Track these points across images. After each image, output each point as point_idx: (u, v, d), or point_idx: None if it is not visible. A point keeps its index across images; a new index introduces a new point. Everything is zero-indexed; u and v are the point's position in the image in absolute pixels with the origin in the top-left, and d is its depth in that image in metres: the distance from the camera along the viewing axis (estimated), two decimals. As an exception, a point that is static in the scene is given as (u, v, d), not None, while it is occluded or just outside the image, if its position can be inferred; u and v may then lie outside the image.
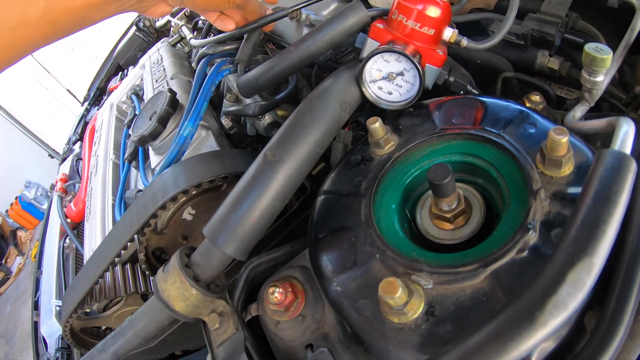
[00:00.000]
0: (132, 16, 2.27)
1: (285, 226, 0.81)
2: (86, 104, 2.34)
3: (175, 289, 0.55)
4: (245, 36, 0.89)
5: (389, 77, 0.65)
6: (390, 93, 0.67)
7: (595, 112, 0.69)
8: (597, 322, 0.37)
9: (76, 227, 1.51)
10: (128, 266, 0.96)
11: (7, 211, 5.24)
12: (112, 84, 2.11)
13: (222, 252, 0.54)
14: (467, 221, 0.54)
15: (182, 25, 1.66)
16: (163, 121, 1.05)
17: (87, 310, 0.96)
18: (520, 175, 0.50)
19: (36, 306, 1.52)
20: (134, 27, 2.18)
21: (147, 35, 2.15)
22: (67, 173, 1.83)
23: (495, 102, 0.60)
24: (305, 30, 1.02)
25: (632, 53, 0.70)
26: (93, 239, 1.15)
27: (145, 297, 1.00)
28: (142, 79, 1.57)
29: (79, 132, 2.14)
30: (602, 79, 0.60)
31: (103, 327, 1.08)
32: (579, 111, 0.64)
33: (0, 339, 4.11)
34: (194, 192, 0.79)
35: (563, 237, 0.36)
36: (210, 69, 1.04)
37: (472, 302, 0.43)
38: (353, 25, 0.68)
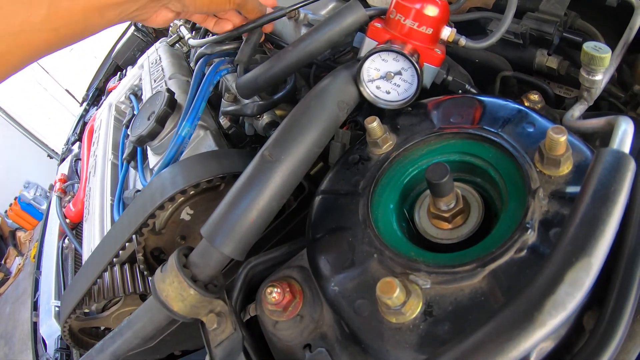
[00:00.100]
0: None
1: (284, 226, 0.81)
2: (85, 104, 2.34)
3: (173, 289, 0.55)
4: (244, 37, 0.89)
5: (387, 77, 0.65)
6: (388, 92, 0.67)
7: (594, 111, 0.69)
8: (596, 322, 0.37)
9: (75, 228, 1.51)
10: (126, 266, 0.96)
11: (6, 212, 5.23)
12: (110, 84, 2.11)
13: (220, 252, 0.54)
14: (466, 221, 0.53)
15: (180, 25, 1.66)
16: (161, 121, 1.05)
17: (86, 310, 0.96)
18: (519, 175, 0.49)
19: (35, 307, 1.52)
20: (133, 27, 2.18)
21: (145, 35, 2.14)
22: (66, 173, 1.83)
23: (494, 101, 0.60)
24: (304, 30, 1.02)
25: (630, 52, 0.70)
26: (92, 239, 1.15)
27: (143, 298, 0.99)
28: (140, 79, 1.57)
29: (78, 132, 2.14)
30: (600, 78, 0.60)
31: (102, 328, 1.08)
32: (577, 110, 0.64)
33: (0, 339, 4.11)
34: (192, 192, 0.79)
35: (561, 236, 0.36)
36: (209, 69, 1.03)
37: (470, 302, 0.43)
38: (351, 24, 0.68)
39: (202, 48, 1.09)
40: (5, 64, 0.55)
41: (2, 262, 5.00)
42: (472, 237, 0.52)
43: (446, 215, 0.52)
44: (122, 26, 2.37)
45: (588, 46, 0.56)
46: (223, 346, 0.59)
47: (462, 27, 0.75)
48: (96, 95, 2.32)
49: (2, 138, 5.19)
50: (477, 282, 0.43)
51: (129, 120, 1.41)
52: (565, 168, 0.47)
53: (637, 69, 0.78)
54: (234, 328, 0.58)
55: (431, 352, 0.41)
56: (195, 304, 0.55)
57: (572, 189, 0.46)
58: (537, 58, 0.83)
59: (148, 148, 1.14)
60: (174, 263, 0.55)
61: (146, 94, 1.39)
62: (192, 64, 1.36)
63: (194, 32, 1.55)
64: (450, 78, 0.76)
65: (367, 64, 0.65)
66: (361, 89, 0.66)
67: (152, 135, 1.05)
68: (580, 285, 0.32)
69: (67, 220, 1.51)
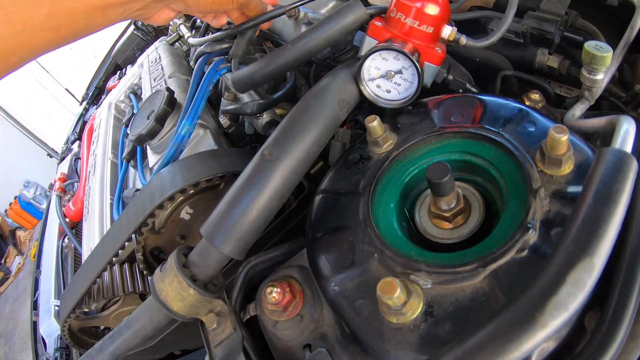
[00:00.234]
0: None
1: (284, 225, 0.81)
2: (85, 103, 2.34)
3: (173, 289, 0.54)
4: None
5: (387, 75, 0.65)
6: (388, 91, 0.66)
7: (595, 110, 0.68)
8: (597, 323, 0.37)
9: (75, 227, 1.51)
10: (126, 266, 0.95)
11: (6, 211, 5.23)
12: (110, 83, 2.11)
13: (219, 252, 0.54)
14: (466, 220, 0.53)
15: (180, 24, 1.65)
16: (161, 120, 1.04)
17: (86, 310, 0.95)
18: (520, 174, 0.49)
19: (35, 306, 1.52)
20: (132, 26, 2.18)
21: (145, 34, 2.14)
22: (66, 172, 1.83)
23: (495, 100, 0.60)
24: (304, 29, 1.02)
25: (631, 51, 0.70)
26: (91, 239, 1.15)
27: (143, 297, 0.99)
28: (140, 78, 1.57)
29: (78, 131, 2.14)
30: (601, 77, 0.60)
31: (101, 327, 1.07)
32: (578, 109, 0.64)
33: (0, 339, 4.11)
34: (192, 191, 0.79)
35: (563, 236, 0.36)
36: (208, 68, 1.03)
37: (471, 302, 0.42)
38: (351, 23, 0.68)
39: (202, 47, 1.09)
40: (5, 63, 0.56)
41: (2, 261, 5.00)
42: (473, 237, 0.52)
43: (447, 214, 0.52)
44: (122, 25, 2.37)
45: (589, 45, 0.56)
46: (223, 346, 0.59)
47: (463, 26, 0.75)
48: (96, 94, 2.32)
49: (2, 137, 5.18)
50: (478, 282, 0.43)
51: (129, 119, 1.41)
52: (567, 168, 0.47)
53: (638, 68, 0.78)
54: (234, 328, 0.58)
55: (432, 352, 0.41)
56: (194, 303, 0.55)
57: (574, 189, 0.45)
58: (538, 57, 0.83)
59: (148, 147, 1.14)
60: (174, 262, 0.55)
61: (146, 93, 1.39)
62: (191, 63, 1.35)
63: (193, 30, 1.55)
64: (450, 77, 0.75)
65: (368, 63, 0.65)
66: (361, 87, 0.66)
67: (152, 134, 1.05)
68: (582, 286, 0.32)
69: (67, 220, 1.50)
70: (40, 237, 1.78)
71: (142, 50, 1.99)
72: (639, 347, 0.38)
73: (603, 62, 0.57)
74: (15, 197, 5.21)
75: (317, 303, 0.57)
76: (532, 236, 0.43)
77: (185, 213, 0.86)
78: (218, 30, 0.93)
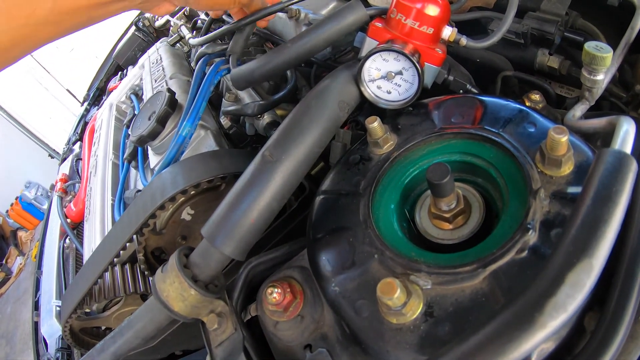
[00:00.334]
0: (131, 15, 2.27)
1: (285, 226, 0.81)
2: (86, 104, 2.34)
3: (174, 290, 0.54)
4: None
5: (387, 76, 0.65)
6: (389, 92, 0.66)
7: (595, 110, 0.68)
8: (597, 323, 0.37)
9: (76, 227, 1.51)
10: (127, 266, 0.96)
11: (7, 211, 5.24)
12: (111, 84, 2.11)
13: (220, 253, 0.54)
14: (467, 221, 0.53)
15: (181, 25, 1.66)
16: (162, 121, 1.05)
17: (87, 310, 0.96)
18: (520, 175, 0.49)
19: (36, 306, 1.52)
20: (134, 27, 2.18)
21: (146, 35, 2.14)
22: (67, 173, 1.83)
23: (495, 101, 0.60)
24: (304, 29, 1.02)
25: (632, 52, 0.70)
26: (93, 239, 1.15)
27: (144, 298, 1.00)
28: (141, 79, 1.57)
29: (79, 132, 2.14)
30: (602, 78, 0.60)
31: (103, 327, 1.08)
32: (579, 110, 0.64)
33: (1, 339, 4.11)
34: (193, 192, 0.79)
35: (562, 237, 0.36)
36: (209, 69, 1.03)
37: (471, 303, 0.43)
38: (351, 24, 0.68)
39: (203, 48, 1.09)
40: (7, 55, 0.56)
41: (4, 261, 5.01)
42: (473, 238, 0.52)
43: (447, 215, 0.52)
44: (123, 25, 2.37)
45: (589, 46, 0.56)
46: (224, 346, 0.59)
47: (463, 27, 0.75)
48: (97, 95, 2.33)
49: (3, 138, 5.19)
50: (478, 283, 0.43)
51: (130, 120, 1.41)
52: (567, 168, 0.47)
53: (638, 69, 0.78)
54: (235, 328, 0.58)
55: (432, 353, 0.41)
56: (195, 304, 0.55)
57: (574, 190, 0.45)
58: (539, 58, 0.83)
59: (149, 148, 1.14)
60: (175, 263, 0.55)
61: (147, 94, 1.39)
62: (192, 64, 1.36)
63: (194, 31, 1.55)
64: (451, 78, 0.75)
65: (368, 64, 0.65)
66: (362, 88, 0.66)
67: (153, 135, 1.05)
68: (581, 287, 0.32)
69: (68, 220, 1.51)
70: (42, 237, 1.78)
71: (143, 51, 1.99)
72: (638, 347, 0.38)
73: (603, 62, 0.57)
74: (17, 198, 5.22)
75: (318, 303, 0.57)
76: (531, 237, 0.43)
77: (187, 214, 0.86)
78: (218, 27, 0.94)
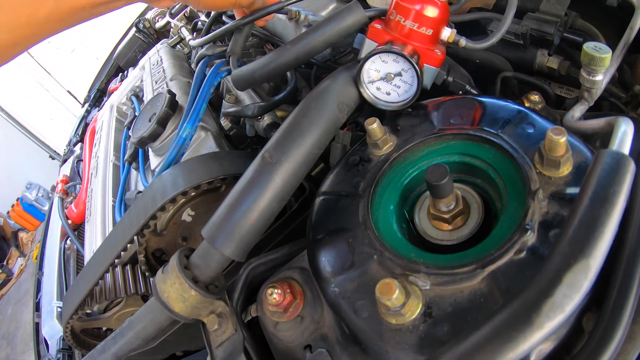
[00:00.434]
0: (132, 16, 2.28)
1: (285, 227, 0.81)
2: (86, 105, 2.35)
3: (175, 290, 0.55)
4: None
5: (387, 78, 0.65)
6: (388, 94, 0.67)
7: (595, 111, 0.68)
8: (595, 324, 0.37)
9: (77, 229, 1.52)
10: (128, 267, 0.96)
11: (8, 212, 5.25)
12: (112, 85, 2.12)
13: (220, 254, 0.54)
14: (466, 222, 0.53)
15: (181, 27, 1.66)
16: (162, 123, 1.05)
17: (88, 311, 0.96)
18: (519, 176, 0.49)
19: (37, 307, 1.53)
20: (134, 29, 2.19)
21: (147, 37, 2.15)
22: (68, 174, 1.83)
23: (494, 102, 0.60)
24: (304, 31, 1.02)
25: (631, 52, 0.70)
26: (93, 240, 1.16)
27: (145, 298, 1.00)
28: (141, 81, 1.58)
29: (80, 133, 2.14)
30: (601, 78, 0.60)
31: (104, 328, 1.08)
32: (578, 111, 0.64)
33: (2, 340, 4.12)
34: (193, 193, 0.80)
35: (560, 238, 0.36)
36: (210, 70, 1.04)
37: (469, 304, 0.43)
38: (350, 25, 0.68)
39: (203, 49, 1.09)
40: (6, 53, 0.57)
41: (5, 262, 5.01)
42: (472, 238, 0.52)
43: (446, 216, 0.52)
44: (124, 27, 2.38)
45: (588, 46, 0.56)
46: (224, 347, 0.59)
47: (463, 28, 0.75)
48: (98, 96, 2.33)
49: (4, 139, 5.20)
50: (477, 284, 0.43)
51: (131, 122, 1.41)
52: (565, 169, 0.47)
53: (637, 69, 0.78)
54: (235, 329, 0.58)
55: (430, 353, 0.41)
56: (196, 304, 0.55)
57: (572, 190, 0.46)
58: (538, 58, 0.83)
59: (149, 149, 1.14)
60: (175, 264, 0.55)
61: (147, 96, 1.39)
62: (193, 65, 1.36)
63: (195, 33, 1.55)
64: (450, 79, 0.75)
65: (367, 65, 0.65)
66: (361, 90, 0.66)
67: (153, 136, 1.06)
68: (578, 288, 0.32)
69: (69, 221, 1.51)
70: (43, 238, 1.78)
71: (144, 53, 2.00)
72: (636, 347, 0.39)
73: (602, 63, 0.57)
74: (18, 199, 5.23)
75: (318, 304, 0.57)
76: (530, 237, 0.44)
77: (187, 215, 0.86)
78: (218, 29, 0.94)
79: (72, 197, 1.65)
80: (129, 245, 0.86)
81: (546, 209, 0.45)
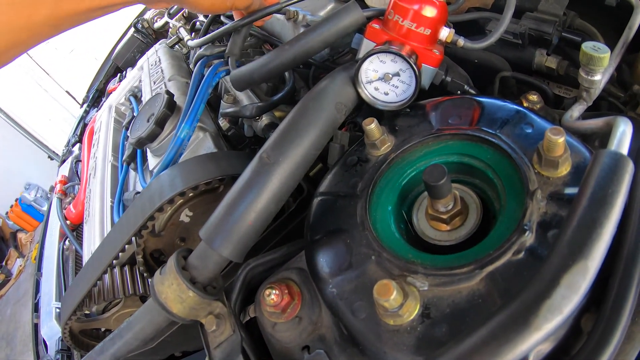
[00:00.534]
0: (131, 17, 2.28)
1: (283, 227, 0.81)
2: (85, 105, 2.35)
3: (172, 291, 0.55)
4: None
5: (385, 78, 0.65)
6: (386, 94, 0.67)
7: (593, 110, 0.68)
8: (594, 324, 0.37)
9: (76, 229, 1.51)
10: (126, 268, 0.96)
11: (7, 213, 5.24)
12: (110, 86, 2.11)
13: (218, 255, 0.54)
14: (464, 222, 0.53)
15: (180, 27, 1.66)
16: (160, 123, 1.05)
17: (87, 312, 0.96)
18: (517, 176, 0.49)
19: (36, 308, 1.52)
20: (133, 29, 2.18)
21: (145, 37, 2.15)
22: (67, 175, 1.83)
23: (492, 102, 0.60)
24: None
25: (630, 51, 0.70)
26: (92, 241, 1.15)
27: (144, 299, 1.00)
28: (140, 81, 1.57)
29: (78, 133, 2.14)
30: (599, 78, 0.60)
31: (102, 329, 1.08)
32: (576, 110, 0.64)
33: (2, 341, 4.11)
34: (191, 194, 0.79)
35: (558, 239, 0.36)
36: (208, 70, 1.03)
37: (467, 304, 0.43)
38: (347, 26, 0.68)
39: (201, 49, 1.09)
40: (4, 56, 0.57)
41: (3, 263, 5.01)
42: (471, 239, 0.52)
43: (444, 216, 0.52)
44: (123, 27, 2.38)
45: (587, 46, 0.56)
46: (222, 348, 0.59)
47: (461, 28, 0.75)
48: (96, 96, 2.33)
49: (3, 140, 5.20)
50: (475, 284, 0.43)
51: (129, 122, 1.41)
52: (564, 169, 0.47)
53: (636, 68, 0.78)
54: (233, 330, 0.58)
55: (428, 354, 0.41)
56: (194, 305, 0.55)
57: (571, 190, 0.45)
58: (536, 58, 0.83)
59: (148, 150, 1.14)
60: (173, 265, 0.55)
61: (146, 96, 1.39)
62: (191, 66, 1.36)
63: (193, 33, 1.55)
64: (448, 79, 0.75)
65: (365, 66, 0.65)
66: (359, 90, 0.66)
67: (152, 137, 1.06)
68: (577, 289, 0.32)
69: (68, 222, 1.51)
70: (42, 239, 1.78)
71: (142, 53, 2.00)
72: (635, 348, 0.38)
73: (600, 62, 0.57)
74: (16, 200, 5.22)
75: (316, 305, 0.57)
76: (528, 238, 0.43)
77: (185, 216, 0.86)
78: (216, 29, 0.94)
79: (70, 198, 1.64)
80: (127, 246, 0.86)
81: (545, 210, 0.45)
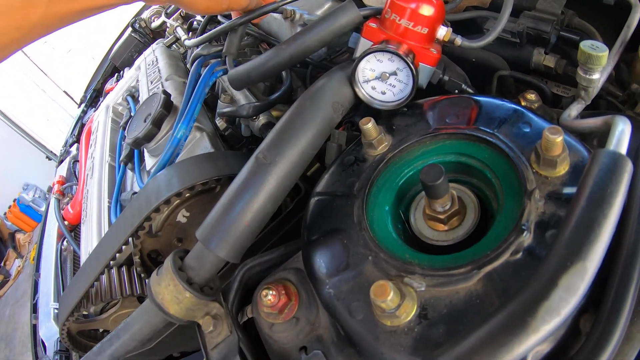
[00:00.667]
0: (128, 16, 2.27)
1: (280, 227, 0.80)
2: (83, 105, 2.34)
3: (169, 292, 0.54)
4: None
5: (382, 77, 0.65)
6: (383, 93, 0.66)
7: (592, 109, 0.68)
8: (592, 325, 0.37)
9: (74, 230, 1.51)
10: (124, 269, 0.95)
11: (5, 214, 5.23)
12: (108, 86, 2.11)
13: (215, 255, 0.54)
14: (462, 222, 0.53)
15: (177, 27, 1.66)
16: (157, 123, 1.04)
17: (84, 313, 0.95)
18: (515, 176, 0.49)
19: (35, 309, 1.52)
20: (130, 28, 2.18)
21: (142, 37, 2.14)
22: (65, 175, 1.83)
23: (490, 101, 0.60)
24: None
25: (628, 50, 0.70)
26: (90, 242, 1.15)
27: (141, 300, 0.99)
28: (137, 81, 1.57)
29: (76, 134, 2.14)
30: (597, 77, 0.60)
31: (100, 330, 1.07)
32: (574, 109, 0.63)
33: (0, 342, 4.11)
34: (188, 194, 0.79)
35: (556, 240, 0.36)
36: (205, 70, 1.03)
37: (465, 305, 0.42)
38: (344, 25, 0.67)
39: (198, 49, 1.08)
40: None
41: (2, 264, 4.99)
42: (468, 239, 0.52)
43: (442, 216, 0.52)
44: (120, 26, 2.37)
45: (585, 45, 0.56)
46: (219, 348, 0.58)
47: (459, 26, 0.75)
48: (94, 96, 2.32)
49: (1, 140, 5.18)
50: (472, 285, 0.43)
51: (126, 122, 1.41)
52: (562, 169, 0.47)
53: (634, 67, 0.78)
54: (230, 330, 0.58)
55: (426, 355, 0.41)
56: (191, 306, 0.55)
57: (569, 190, 0.45)
58: (534, 57, 0.82)
59: (145, 150, 1.14)
60: (170, 266, 0.55)
61: (143, 96, 1.39)
62: (188, 65, 1.35)
63: (190, 33, 1.55)
64: (446, 78, 0.75)
65: (362, 65, 0.65)
66: (356, 89, 0.66)
67: (148, 137, 1.05)
68: (575, 290, 0.32)
69: (66, 222, 1.50)
70: (40, 240, 1.77)
71: (140, 53, 1.99)
72: (634, 349, 0.38)
73: (599, 61, 0.57)
74: (15, 200, 5.21)
75: (313, 305, 0.57)
76: (526, 238, 0.43)
77: (182, 216, 0.86)
78: (213, 29, 0.94)
79: (68, 198, 1.64)
80: (124, 246, 0.86)
81: (543, 209, 0.45)
